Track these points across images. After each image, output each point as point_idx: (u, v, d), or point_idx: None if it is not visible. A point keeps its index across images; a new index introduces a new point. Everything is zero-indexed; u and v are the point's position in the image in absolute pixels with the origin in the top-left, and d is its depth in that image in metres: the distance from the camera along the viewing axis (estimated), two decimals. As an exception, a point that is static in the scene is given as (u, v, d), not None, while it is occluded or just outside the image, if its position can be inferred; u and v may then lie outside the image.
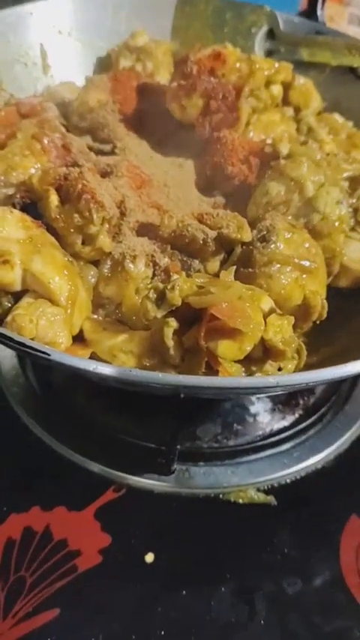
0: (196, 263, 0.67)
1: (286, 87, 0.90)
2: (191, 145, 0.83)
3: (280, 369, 0.60)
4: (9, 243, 0.59)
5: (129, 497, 0.69)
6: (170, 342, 0.58)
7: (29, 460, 0.72)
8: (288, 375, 0.58)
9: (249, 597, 0.61)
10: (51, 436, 0.74)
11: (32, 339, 0.56)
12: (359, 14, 1.51)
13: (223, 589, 0.61)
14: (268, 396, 0.80)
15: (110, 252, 0.66)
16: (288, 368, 0.60)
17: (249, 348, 0.56)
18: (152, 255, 0.65)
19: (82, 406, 0.79)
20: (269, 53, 1.01)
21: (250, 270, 0.64)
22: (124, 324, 0.65)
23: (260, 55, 1.00)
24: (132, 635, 0.58)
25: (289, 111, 0.91)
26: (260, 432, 0.77)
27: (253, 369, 0.59)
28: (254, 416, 0.78)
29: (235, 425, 0.77)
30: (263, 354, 0.59)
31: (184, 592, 0.61)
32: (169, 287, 0.59)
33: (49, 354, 0.51)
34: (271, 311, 0.60)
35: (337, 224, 0.69)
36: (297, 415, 0.79)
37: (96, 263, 0.67)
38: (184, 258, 0.67)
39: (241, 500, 0.69)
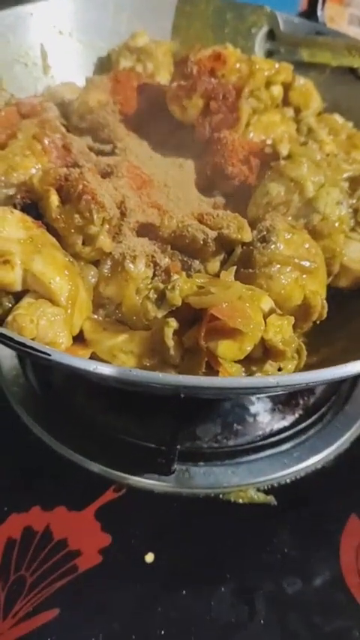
0: (196, 263, 0.67)
1: (287, 87, 0.90)
2: (191, 146, 0.83)
3: (280, 369, 0.60)
4: (9, 244, 0.59)
5: (129, 497, 0.69)
6: (170, 342, 0.58)
7: (29, 460, 0.72)
8: (288, 375, 0.58)
9: (249, 597, 0.61)
10: (51, 436, 0.74)
11: (33, 339, 0.56)
12: (359, 15, 1.51)
13: (223, 589, 0.61)
14: (268, 396, 0.81)
15: (110, 253, 0.66)
16: (288, 368, 0.60)
17: (249, 348, 0.56)
18: (152, 256, 0.65)
19: (82, 406, 0.79)
20: (269, 54, 1.01)
21: (250, 270, 0.64)
22: (125, 324, 0.65)
23: (260, 55, 1.00)
24: (132, 635, 0.58)
25: (290, 111, 0.91)
26: (260, 432, 0.77)
27: (253, 369, 0.59)
28: (254, 416, 0.79)
29: (235, 425, 0.77)
30: (263, 354, 0.59)
31: (184, 592, 0.61)
32: (169, 287, 0.59)
33: (49, 354, 0.51)
34: (271, 311, 0.60)
35: (337, 224, 0.70)
36: (297, 415, 0.79)
37: (96, 263, 0.67)
38: (185, 259, 0.67)
39: (241, 500, 0.69)
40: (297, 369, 0.60)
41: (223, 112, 0.81)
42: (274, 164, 0.74)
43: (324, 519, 0.68)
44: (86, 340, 0.63)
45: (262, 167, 0.77)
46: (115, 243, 0.66)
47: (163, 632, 0.58)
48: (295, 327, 0.62)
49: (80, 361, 0.52)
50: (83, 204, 0.63)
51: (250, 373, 0.59)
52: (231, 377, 0.56)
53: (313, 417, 0.79)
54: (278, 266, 0.63)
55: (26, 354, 0.59)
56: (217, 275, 0.66)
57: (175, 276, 0.61)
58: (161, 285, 0.61)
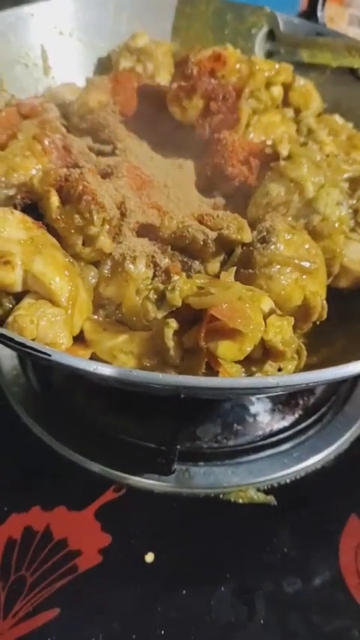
0: (196, 264, 0.67)
1: (287, 88, 0.90)
2: (191, 146, 0.83)
3: (280, 370, 0.60)
4: (10, 244, 0.59)
5: (129, 497, 0.69)
6: (170, 342, 0.58)
7: (29, 460, 0.73)
8: (288, 376, 0.59)
9: (249, 597, 0.61)
10: (51, 436, 0.74)
11: (33, 339, 0.56)
12: (359, 15, 1.52)
13: (222, 589, 0.62)
14: (268, 397, 0.81)
15: (111, 253, 0.66)
16: (288, 368, 0.60)
17: (249, 349, 0.57)
18: (152, 256, 0.65)
19: (82, 406, 0.79)
20: (269, 54, 1.02)
21: (250, 271, 0.64)
22: (125, 324, 0.65)
23: (260, 56, 1.00)
24: (132, 634, 0.58)
25: (290, 112, 0.91)
26: (260, 432, 0.77)
27: (253, 369, 0.59)
28: (254, 416, 0.79)
29: (235, 425, 0.77)
30: (263, 354, 0.59)
31: (184, 592, 0.61)
32: (169, 288, 0.59)
33: (49, 355, 0.51)
34: (271, 312, 0.60)
35: (337, 225, 0.70)
36: (297, 415, 0.80)
37: (96, 264, 0.67)
38: (185, 259, 0.67)
39: (241, 500, 0.69)
40: (297, 370, 0.61)
41: (223, 112, 0.81)
42: (274, 165, 0.74)
43: (324, 519, 0.68)
44: (86, 341, 0.63)
45: (262, 168, 0.77)
46: (115, 243, 0.66)
47: (163, 632, 0.58)
48: (295, 327, 0.62)
49: (80, 362, 0.52)
50: (83, 205, 0.63)
51: (250, 374, 0.59)
52: (231, 377, 0.56)
53: (313, 417, 0.79)
54: (278, 267, 0.63)
55: (26, 355, 0.59)
56: (217, 276, 0.66)
57: (175, 277, 0.61)
58: (161, 286, 0.61)
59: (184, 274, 0.63)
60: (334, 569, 0.64)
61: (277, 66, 0.87)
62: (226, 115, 0.81)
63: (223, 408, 0.79)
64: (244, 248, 0.67)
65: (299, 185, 0.71)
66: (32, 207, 0.67)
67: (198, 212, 0.69)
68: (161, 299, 0.60)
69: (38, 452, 0.73)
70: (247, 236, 0.66)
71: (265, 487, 0.71)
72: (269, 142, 0.80)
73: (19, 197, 0.67)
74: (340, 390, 0.83)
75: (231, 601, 0.61)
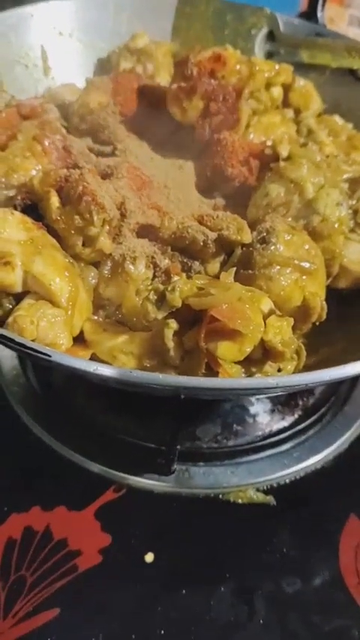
0: (196, 264, 0.67)
1: (286, 89, 0.90)
2: (191, 147, 0.83)
3: (279, 370, 0.60)
4: (10, 245, 0.59)
5: (129, 497, 0.69)
6: (170, 343, 0.58)
7: (29, 460, 0.73)
8: (287, 376, 0.59)
9: (248, 597, 0.61)
10: (51, 436, 0.74)
11: (33, 340, 0.56)
12: (359, 16, 1.52)
13: (222, 589, 0.62)
14: (268, 397, 0.81)
15: (110, 254, 0.66)
16: (287, 369, 0.60)
17: (249, 350, 0.57)
18: (152, 257, 0.65)
19: (82, 406, 0.79)
20: (269, 55, 1.02)
21: (250, 271, 0.64)
22: (125, 325, 0.65)
23: (260, 56, 1.00)
24: (132, 634, 0.58)
25: (289, 113, 0.92)
26: (260, 433, 0.77)
27: (253, 370, 0.59)
28: (254, 416, 0.79)
29: (234, 425, 0.77)
30: (263, 355, 0.59)
31: (183, 592, 0.61)
32: (169, 288, 0.59)
33: (49, 355, 0.51)
34: (271, 312, 0.60)
35: (336, 226, 0.70)
36: (296, 416, 0.80)
37: (96, 264, 0.67)
38: (185, 260, 0.67)
39: (240, 500, 0.69)
40: (296, 370, 0.61)
41: (223, 113, 0.81)
42: (274, 165, 0.74)
43: (323, 519, 0.68)
44: (86, 341, 0.63)
45: (262, 168, 0.77)
46: (115, 244, 0.66)
47: (163, 632, 0.58)
48: (294, 328, 0.62)
49: (80, 362, 0.52)
50: (83, 206, 0.63)
51: (249, 374, 0.59)
52: (231, 378, 0.56)
53: (313, 418, 0.79)
54: (278, 267, 0.64)
55: (27, 355, 0.59)
56: (217, 276, 0.66)
57: (175, 278, 0.62)
58: (161, 287, 0.61)
59: (184, 275, 0.63)
60: (334, 569, 0.64)
61: (277, 67, 0.87)
62: (226, 116, 0.81)
63: (223, 409, 0.79)
64: (244, 249, 0.67)
65: (299, 186, 0.71)
66: (32, 207, 0.67)
67: (198, 213, 0.69)
68: (161, 300, 0.60)
69: (38, 452, 0.73)
70: (247, 237, 0.66)
71: (265, 487, 0.71)
72: (269, 143, 0.81)
73: (19, 198, 0.67)
74: (339, 391, 0.83)
75: (231, 601, 0.61)
